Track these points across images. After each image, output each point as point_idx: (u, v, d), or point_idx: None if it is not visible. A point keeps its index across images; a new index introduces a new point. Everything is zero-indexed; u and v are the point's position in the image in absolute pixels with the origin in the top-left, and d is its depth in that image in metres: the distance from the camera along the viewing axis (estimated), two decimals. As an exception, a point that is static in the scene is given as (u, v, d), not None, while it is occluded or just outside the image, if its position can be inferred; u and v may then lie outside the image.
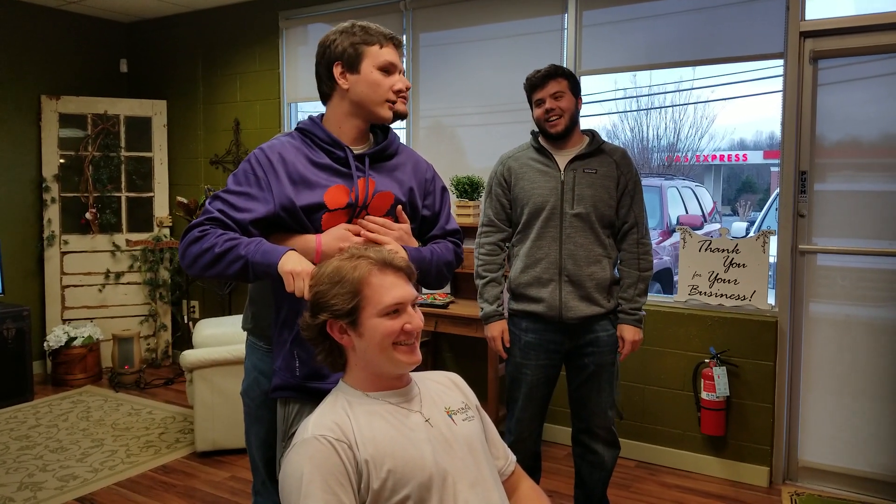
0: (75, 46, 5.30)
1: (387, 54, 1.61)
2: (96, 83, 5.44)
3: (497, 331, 2.52)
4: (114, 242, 5.25)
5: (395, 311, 1.34)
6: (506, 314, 2.55)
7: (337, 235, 1.55)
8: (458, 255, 1.80)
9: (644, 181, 7.38)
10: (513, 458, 1.56)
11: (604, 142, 2.51)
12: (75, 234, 5.17)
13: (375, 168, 1.65)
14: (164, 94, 5.40)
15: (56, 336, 4.82)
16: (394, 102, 1.62)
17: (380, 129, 1.73)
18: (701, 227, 6.70)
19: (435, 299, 3.73)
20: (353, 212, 1.60)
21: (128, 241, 5.25)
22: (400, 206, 1.66)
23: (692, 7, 3.36)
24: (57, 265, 5.12)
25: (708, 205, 8.46)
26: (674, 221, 6.67)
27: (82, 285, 5.19)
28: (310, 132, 1.63)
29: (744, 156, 15.85)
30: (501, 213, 2.55)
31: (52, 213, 5.09)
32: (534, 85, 2.46)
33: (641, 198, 2.51)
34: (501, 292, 2.55)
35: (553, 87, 2.42)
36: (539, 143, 2.50)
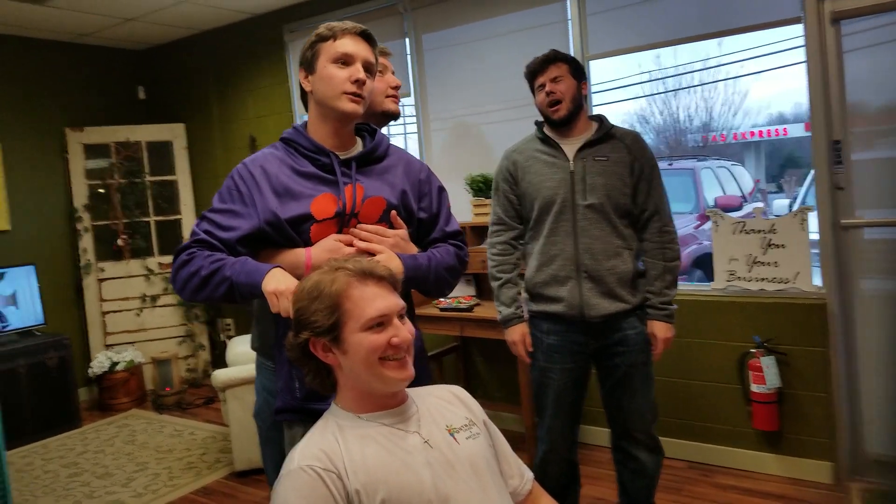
0: (93, 77, 5.38)
1: (342, 45, 1.52)
2: (117, 111, 5.51)
3: (517, 335, 2.42)
4: (147, 266, 5.30)
5: (380, 324, 1.25)
6: (526, 316, 2.45)
7: (327, 247, 1.47)
8: (462, 259, 1.70)
9: (676, 164, 7.17)
10: (529, 475, 1.46)
11: (613, 126, 2.38)
12: (109, 260, 5.24)
13: (364, 172, 1.57)
14: (181, 117, 5.44)
15: (99, 362, 4.90)
16: (355, 95, 1.52)
17: (367, 132, 1.65)
18: (740, 208, 6.45)
19: (460, 303, 3.64)
20: (344, 220, 1.52)
21: (160, 265, 5.30)
22: (394, 211, 1.58)
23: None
24: (95, 292, 5.20)
25: (747, 184, 8.16)
26: (711, 204, 6.44)
27: (121, 310, 5.26)
28: (293, 141, 1.57)
29: (784, 130, 15.33)
30: (510, 210, 2.44)
31: (87, 242, 5.17)
32: (533, 71, 2.36)
33: (660, 182, 2.37)
34: (518, 293, 2.44)
35: (553, 71, 2.32)
36: (544, 134, 2.39)
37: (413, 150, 4.28)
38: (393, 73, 1.93)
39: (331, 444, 1.22)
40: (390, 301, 1.27)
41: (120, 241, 5.24)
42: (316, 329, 1.25)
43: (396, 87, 1.91)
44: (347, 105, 1.52)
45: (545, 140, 2.37)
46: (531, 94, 2.43)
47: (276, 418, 1.57)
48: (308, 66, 1.55)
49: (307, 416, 1.47)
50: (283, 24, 4.68)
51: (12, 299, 4.54)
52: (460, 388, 1.47)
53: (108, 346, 5.21)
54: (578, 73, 2.36)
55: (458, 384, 4.32)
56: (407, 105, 4.27)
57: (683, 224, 5.93)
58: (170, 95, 5.53)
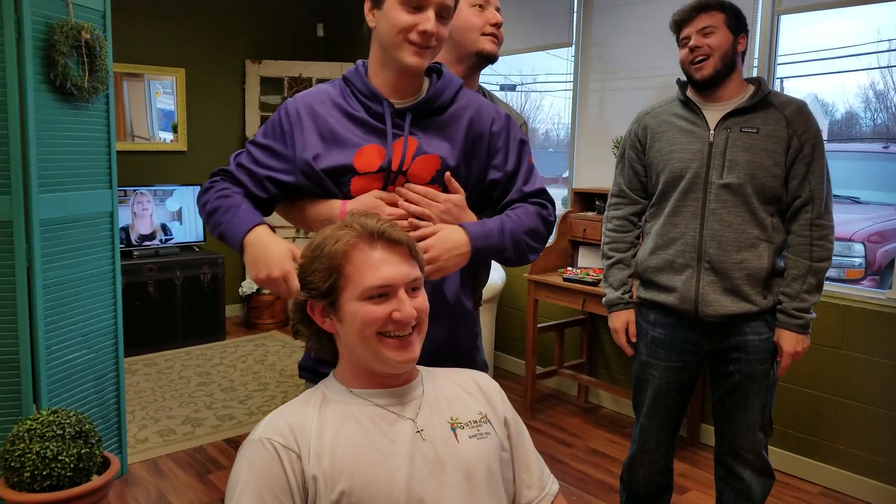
0: (277, 12, 5.59)
1: None
2: (295, 47, 5.72)
3: (621, 322, 2.13)
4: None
5: (383, 294, 1.07)
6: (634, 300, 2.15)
7: (366, 203, 1.29)
8: (546, 218, 1.43)
9: (892, 147, 6.09)
10: (552, 489, 1.22)
11: (772, 91, 1.97)
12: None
13: (421, 125, 1.36)
14: (354, 58, 5.52)
15: (248, 283, 5.22)
16: (420, 46, 1.29)
17: (436, 74, 1.43)
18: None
19: (587, 275, 3.35)
20: (389, 178, 1.33)
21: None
22: (449, 173, 1.35)
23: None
24: (254, 218, 5.50)
25: None
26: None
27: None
28: (351, 81, 1.39)
29: None
30: (635, 182, 2.13)
31: (252, 170, 5.47)
32: (679, 21, 1.99)
33: (822, 165, 1.93)
34: (630, 276, 2.15)
35: (702, 20, 1.94)
36: (686, 96, 2.04)
37: (564, 107, 3.98)
38: (498, 8, 1.70)
39: (305, 418, 1.08)
40: (399, 270, 1.08)
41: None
42: (313, 291, 1.10)
43: (497, 25, 1.67)
44: (410, 58, 1.30)
45: (686, 103, 2.02)
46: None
47: (299, 375, 1.47)
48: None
49: (320, 377, 1.33)
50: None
51: (178, 215, 4.93)
52: (487, 378, 1.25)
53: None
54: (736, 24, 1.96)
55: (579, 359, 4.08)
56: (559, 58, 3.97)
57: (887, 216, 5.07)
58: (346, 35, 5.64)
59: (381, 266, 1.07)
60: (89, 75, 2.48)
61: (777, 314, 1.95)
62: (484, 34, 1.64)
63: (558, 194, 4.38)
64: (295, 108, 1.37)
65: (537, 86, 5.27)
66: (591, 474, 3.02)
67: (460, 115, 1.40)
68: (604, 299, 2.18)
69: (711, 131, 1.96)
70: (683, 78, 2.06)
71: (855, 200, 5.12)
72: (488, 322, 3.85)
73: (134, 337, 4.45)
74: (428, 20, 1.28)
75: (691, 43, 1.95)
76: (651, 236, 2.07)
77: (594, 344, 3.82)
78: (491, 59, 1.69)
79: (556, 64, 4.51)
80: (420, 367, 1.21)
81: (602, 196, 3.51)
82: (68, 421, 2.16)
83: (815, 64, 4.02)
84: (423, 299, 1.12)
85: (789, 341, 1.92)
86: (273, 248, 1.21)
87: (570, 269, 3.57)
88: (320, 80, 5.48)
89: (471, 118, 1.40)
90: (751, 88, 1.99)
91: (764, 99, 1.94)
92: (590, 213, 3.58)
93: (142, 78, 5.00)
